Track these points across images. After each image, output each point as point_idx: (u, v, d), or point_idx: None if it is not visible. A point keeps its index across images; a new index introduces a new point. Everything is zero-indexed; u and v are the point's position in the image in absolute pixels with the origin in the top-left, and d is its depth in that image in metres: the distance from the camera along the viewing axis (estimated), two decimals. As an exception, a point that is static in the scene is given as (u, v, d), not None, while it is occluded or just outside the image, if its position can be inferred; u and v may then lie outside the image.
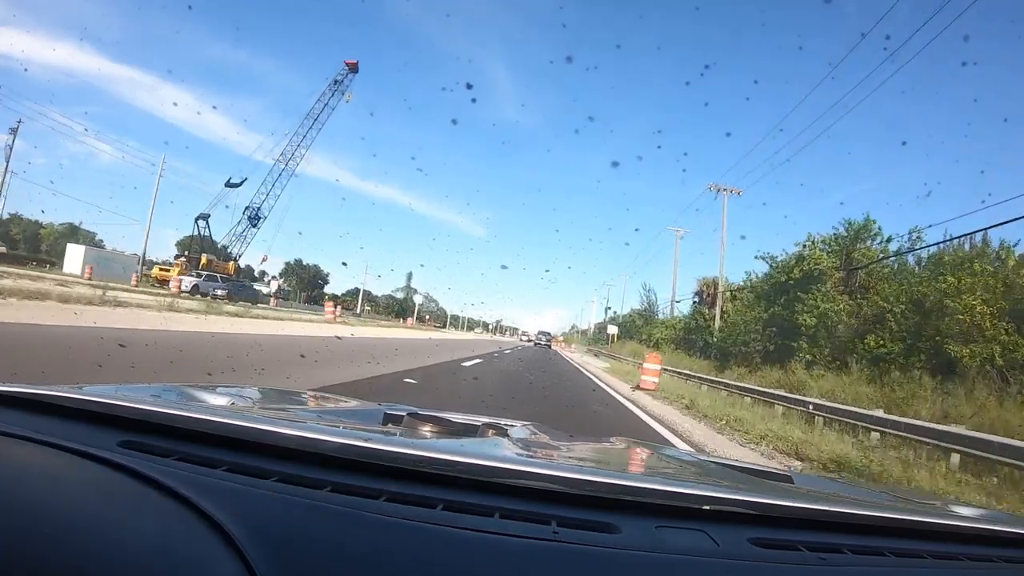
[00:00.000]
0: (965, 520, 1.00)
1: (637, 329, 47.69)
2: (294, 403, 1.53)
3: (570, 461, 1.11)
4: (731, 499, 0.81)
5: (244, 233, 47.73)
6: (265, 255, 51.89)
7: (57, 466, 0.68)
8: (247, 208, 46.82)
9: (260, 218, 46.47)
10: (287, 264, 75.65)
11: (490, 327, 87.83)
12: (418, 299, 77.59)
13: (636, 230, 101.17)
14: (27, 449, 0.71)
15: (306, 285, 73.93)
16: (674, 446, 5.12)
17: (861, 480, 4.37)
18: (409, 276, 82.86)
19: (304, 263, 75.65)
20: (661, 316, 46.08)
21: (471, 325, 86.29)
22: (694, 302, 36.09)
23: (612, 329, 50.45)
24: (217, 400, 1.20)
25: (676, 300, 38.63)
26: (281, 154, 46.49)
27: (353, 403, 1.72)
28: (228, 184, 44.09)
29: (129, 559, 0.51)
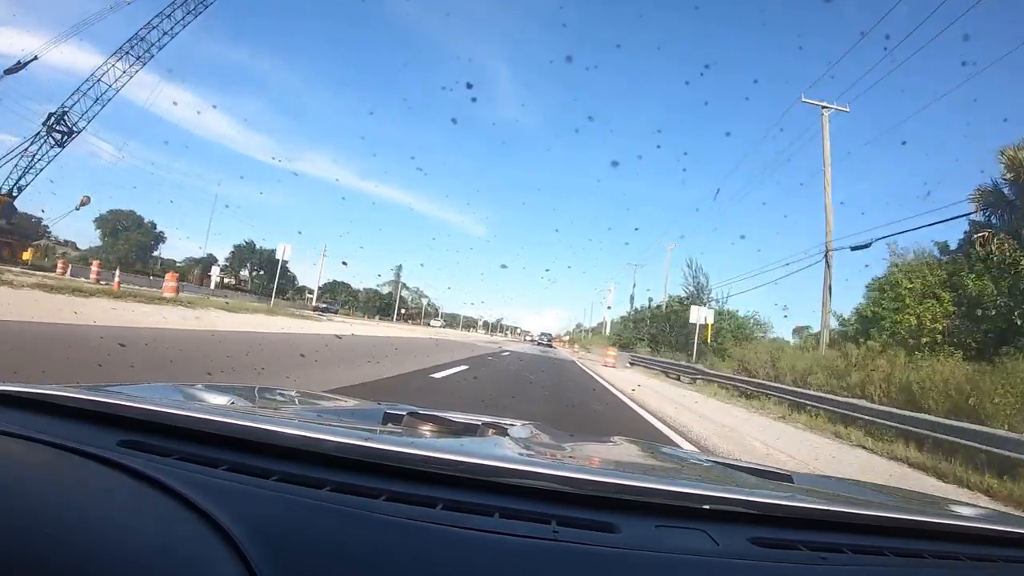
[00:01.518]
0: (965, 520, 1.00)
1: (736, 330, 24.61)
2: (294, 403, 1.53)
3: (570, 460, 1.11)
4: (731, 498, 0.81)
5: (39, 153, 28.62)
6: (86, 196, 33.06)
7: (57, 466, 0.68)
8: (51, 115, 28.45)
9: (72, 132, 28.85)
10: (236, 247, 57.68)
11: (477, 326, 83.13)
12: (406, 294, 71.26)
13: (636, 229, 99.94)
14: (27, 449, 0.71)
15: (257, 272, 56.54)
16: (675, 445, 5.11)
17: (862, 479, 4.36)
18: (398, 269, 68.54)
19: (256, 246, 56.67)
20: (715, 304, 25.28)
21: (428, 318, 73.95)
22: (970, 229, 14.69)
23: (703, 314, 21.84)
24: (217, 399, 1.20)
25: (835, 247, 15.72)
26: (130, 40, 28.81)
27: (353, 402, 1.72)
28: (7, 71, 28.06)
29: (129, 559, 0.51)
